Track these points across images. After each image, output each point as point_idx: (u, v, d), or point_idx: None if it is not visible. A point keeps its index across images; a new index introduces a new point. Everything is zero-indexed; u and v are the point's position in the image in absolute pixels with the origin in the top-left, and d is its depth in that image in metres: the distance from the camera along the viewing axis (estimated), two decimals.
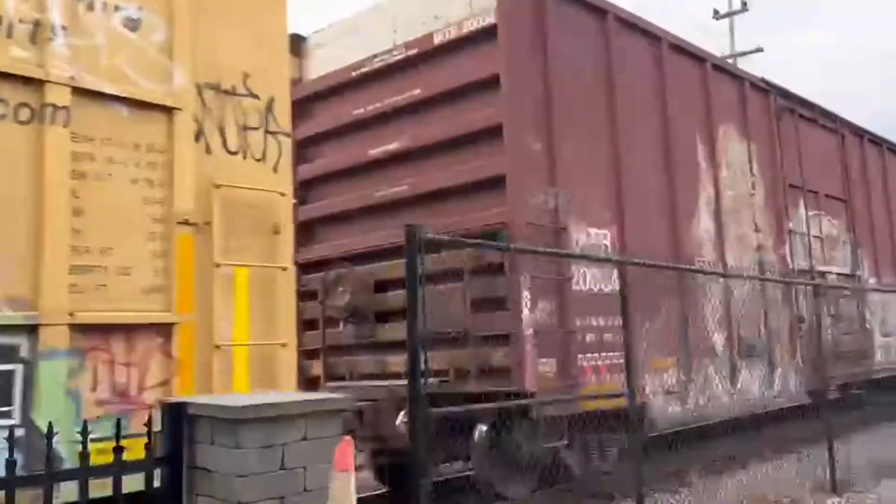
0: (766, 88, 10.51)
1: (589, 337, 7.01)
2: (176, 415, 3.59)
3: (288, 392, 4.43)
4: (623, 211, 7.61)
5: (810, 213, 11.14)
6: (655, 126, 8.36)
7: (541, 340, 6.50)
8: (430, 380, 4.06)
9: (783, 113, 10.80)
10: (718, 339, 8.67)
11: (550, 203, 6.87)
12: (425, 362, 3.80)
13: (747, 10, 23.14)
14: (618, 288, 7.30)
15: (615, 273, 7.41)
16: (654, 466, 6.84)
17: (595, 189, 7.41)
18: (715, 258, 8.95)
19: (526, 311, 6.39)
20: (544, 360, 6.56)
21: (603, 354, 7.15)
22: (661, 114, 8.44)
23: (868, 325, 12.15)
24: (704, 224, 8.90)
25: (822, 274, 11.20)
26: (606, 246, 7.44)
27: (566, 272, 6.86)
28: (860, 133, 13.17)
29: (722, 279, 8.75)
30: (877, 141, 13.77)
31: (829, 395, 14.16)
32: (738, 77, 9.92)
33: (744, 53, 22.88)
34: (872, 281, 12.67)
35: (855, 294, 11.87)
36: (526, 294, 6.40)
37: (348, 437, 3.46)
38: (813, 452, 7.90)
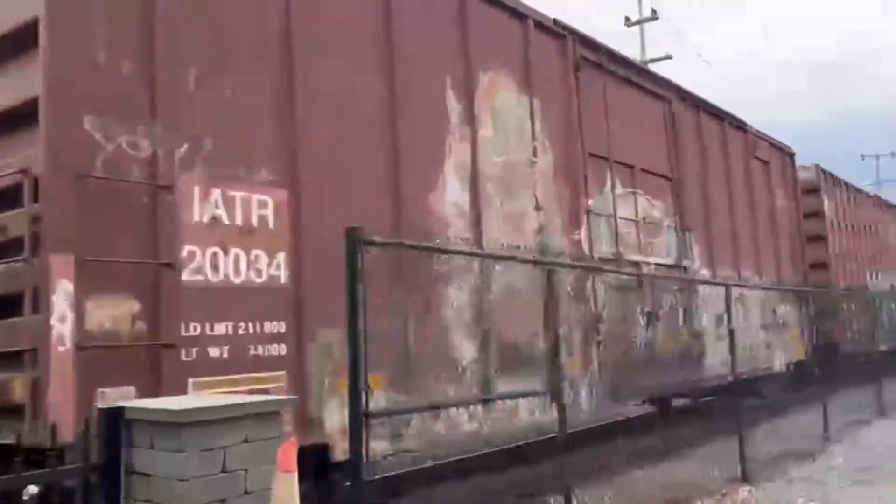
0: (560, 32, 8.48)
1: (213, 351, 4.72)
2: (112, 420, 3.54)
3: (229, 395, 4.28)
4: (299, 169, 5.36)
5: (620, 191, 9.22)
6: (373, 62, 6.14)
7: (99, 359, 4.16)
8: None
9: (587, 66, 8.82)
10: (465, 348, 6.56)
11: (143, 148, 4.52)
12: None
13: (657, 18, 23.50)
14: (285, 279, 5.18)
15: (279, 256, 5.22)
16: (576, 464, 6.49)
17: (247, 137, 5.12)
18: (470, 240, 6.84)
19: (61, 315, 4.02)
20: (112, 389, 4.22)
21: (244, 376, 4.88)
22: (383, 47, 6.22)
23: (698, 326, 10.38)
24: (453, 195, 6.76)
25: (636, 264, 9.31)
26: (267, 217, 5.17)
27: (170, 252, 4.55)
28: (696, 103, 11.41)
29: (477, 266, 6.68)
30: (717, 114, 12.08)
31: (674, 403, 12.51)
32: (516, 13, 7.82)
33: (654, 60, 22.87)
34: (705, 273, 10.93)
35: (683, 289, 10.09)
36: (64, 286, 4.04)
37: (292, 438, 3.64)
38: (714, 447, 8.53)
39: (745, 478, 7.55)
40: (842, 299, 16.24)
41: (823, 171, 17.13)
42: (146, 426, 3.50)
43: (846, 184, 18.68)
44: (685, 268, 10.41)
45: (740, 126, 12.83)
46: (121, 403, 3.69)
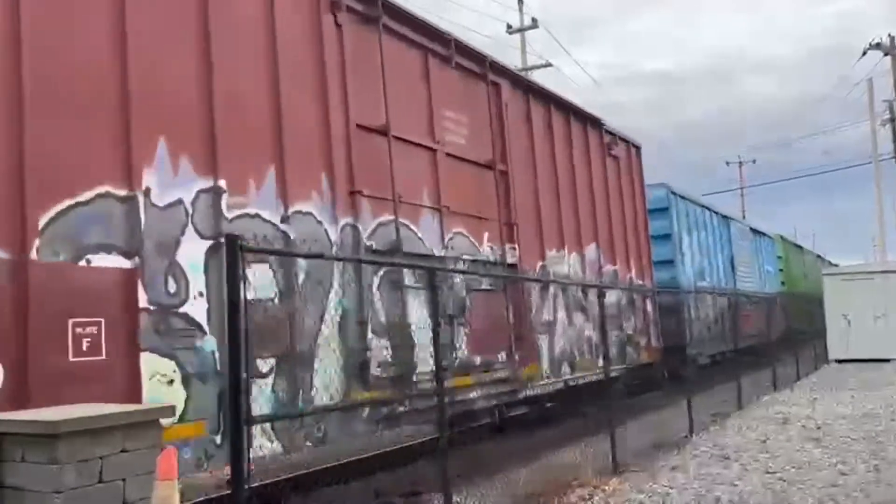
0: None
1: None
2: None
3: (104, 404, 4.08)
4: None
5: None
6: None
7: None
8: None
9: None
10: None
11: None
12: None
13: (537, 26, 24.53)
14: None
15: None
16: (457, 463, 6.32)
17: None
18: None
19: None
20: None
21: None
22: None
23: None
24: None
25: None
26: None
27: None
28: None
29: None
30: None
31: None
32: None
33: (534, 67, 24.13)
34: None
35: None
36: None
37: (172, 447, 3.47)
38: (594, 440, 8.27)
39: (616, 470, 7.63)
40: None
41: None
42: (16, 439, 3.40)
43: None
44: None
45: None
46: None
